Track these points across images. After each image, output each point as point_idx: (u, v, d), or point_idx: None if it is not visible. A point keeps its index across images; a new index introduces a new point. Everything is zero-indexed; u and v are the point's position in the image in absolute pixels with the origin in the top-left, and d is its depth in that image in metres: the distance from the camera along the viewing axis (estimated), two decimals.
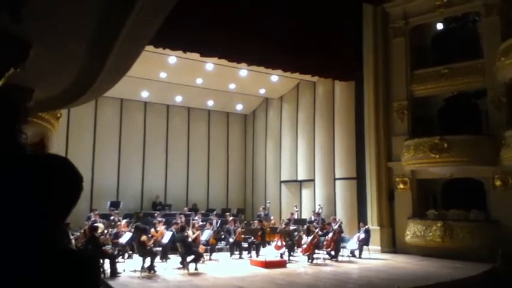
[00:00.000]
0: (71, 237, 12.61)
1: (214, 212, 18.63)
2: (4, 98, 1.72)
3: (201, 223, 15.85)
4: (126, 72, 6.78)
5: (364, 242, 15.48)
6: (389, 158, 17.33)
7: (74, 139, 19.50)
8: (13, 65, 4.89)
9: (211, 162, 23.78)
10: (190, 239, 12.95)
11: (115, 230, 14.16)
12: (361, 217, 17.51)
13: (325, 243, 14.91)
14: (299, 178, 21.59)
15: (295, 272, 12.83)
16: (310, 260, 14.33)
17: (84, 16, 4.63)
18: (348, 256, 15.28)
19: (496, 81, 15.14)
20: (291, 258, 14.66)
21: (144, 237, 12.15)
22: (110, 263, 11.35)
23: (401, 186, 16.90)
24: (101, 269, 10.95)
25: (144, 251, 11.96)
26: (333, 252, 14.91)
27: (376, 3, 17.94)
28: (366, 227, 15.91)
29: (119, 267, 11.81)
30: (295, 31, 16.15)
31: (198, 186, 23.12)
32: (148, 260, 11.86)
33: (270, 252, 14.44)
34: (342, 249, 15.37)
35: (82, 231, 13.32)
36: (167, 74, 19.53)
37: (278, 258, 13.88)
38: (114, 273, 11.27)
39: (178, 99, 22.27)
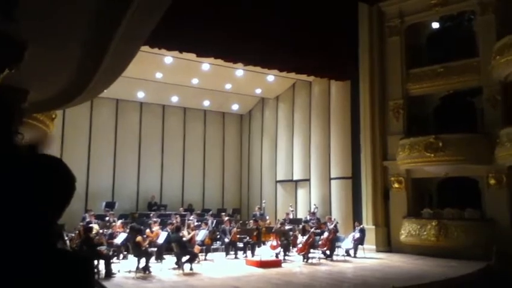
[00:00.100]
0: (66, 238, 12.58)
1: (210, 212, 18.62)
2: None
3: (196, 223, 15.84)
4: (121, 72, 6.78)
5: (359, 241, 15.50)
6: (385, 157, 17.36)
7: (69, 140, 19.43)
8: (7, 66, 4.87)
9: (207, 162, 23.77)
10: (185, 239, 12.94)
11: (110, 231, 14.13)
12: (356, 216, 17.53)
13: (320, 242, 14.94)
14: (295, 178, 21.61)
15: (290, 271, 12.84)
16: (305, 260, 14.35)
17: (78, 16, 4.62)
18: (343, 255, 15.29)
19: (491, 80, 15.19)
20: (286, 258, 14.67)
21: (139, 238, 12.13)
22: (105, 263, 11.31)
23: (396, 185, 16.94)
24: (96, 270, 10.93)
25: (139, 252, 11.94)
26: (328, 252, 14.94)
27: (371, 3, 17.97)
28: (361, 226, 15.93)
29: (114, 267, 11.78)
30: (290, 31, 16.14)
31: (194, 187, 23.09)
32: (143, 261, 11.84)
33: (266, 252, 14.46)
34: (337, 249, 15.39)
35: (77, 232, 13.31)
36: (163, 74, 19.49)
37: (273, 258, 13.89)
38: (109, 273, 11.24)
39: (174, 99, 22.23)
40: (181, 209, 19.37)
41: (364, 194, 17.48)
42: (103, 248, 12.27)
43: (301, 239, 14.78)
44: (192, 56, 16.32)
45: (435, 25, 17.80)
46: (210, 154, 23.92)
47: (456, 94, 16.90)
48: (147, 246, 12.48)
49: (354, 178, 18.42)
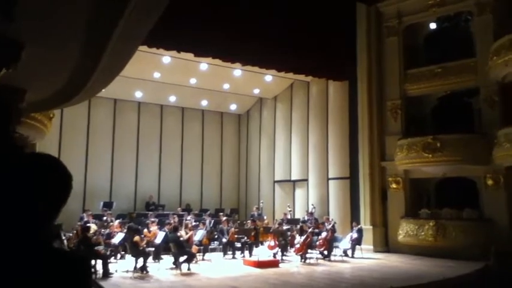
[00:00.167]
0: (64, 237, 12.55)
1: (208, 212, 18.60)
2: None
3: (194, 223, 15.83)
4: (119, 72, 6.77)
5: (357, 242, 15.50)
6: (383, 158, 17.38)
7: (67, 139, 19.43)
8: (5, 65, 4.87)
9: (205, 162, 23.76)
10: (183, 239, 12.93)
11: (108, 231, 14.11)
12: (354, 217, 17.54)
13: (318, 243, 14.95)
14: (293, 178, 21.62)
15: (288, 271, 12.83)
16: (303, 260, 14.35)
17: (76, 16, 4.61)
18: (341, 256, 15.29)
19: (488, 80, 15.21)
20: (284, 258, 14.66)
21: (136, 238, 12.12)
22: (103, 263, 11.30)
23: (394, 185, 16.95)
24: (93, 270, 10.91)
25: (137, 252, 11.93)
26: (325, 252, 14.94)
27: (369, 3, 17.98)
28: (359, 226, 15.94)
29: (112, 267, 11.76)
30: (288, 31, 16.14)
31: (192, 187, 23.08)
32: (141, 261, 11.83)
33: (263, 252, 14.47)
34: (334, 249, 15.40)
35: (74, 231, 13.28)
36: (161, 74, 19.49)
37: (271, 258, 13.89)
38: (107, 273, 11.22)
39: (172, 99, 22.23)
40: (179, 208, 19.35)
41: (362, 194, 17.50)
42: (101, 248, 12.24)
43: (299, 239, 14.78)
44: (190, 55, 16.31)
45: (433, 26, 17.84)
46: (208, 154, 23.92)
47: (454, 94, 16.94)
48: (145, 246, 12.48)
49: (352, 178, 18.43)
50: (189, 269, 12.19)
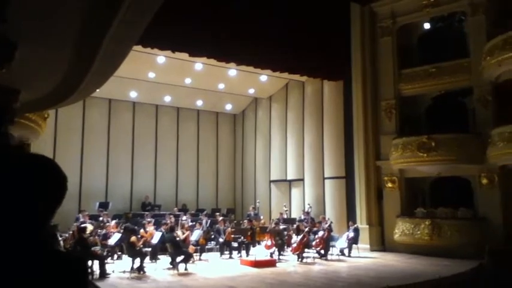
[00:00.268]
0: (60, 238, 12.52)
1: (204, 212, 18.57)
2: None
3: (190, 223, 15.81)
4: (113, 73, 6.77)
5: (353, 241, 15.55)
6: (378, 157, 17.43)
7: (62, 140, 19.36)
8: None
9: (200, 162, 23.74)
10: (179, 239, 12.92)
11: (104, 231, 14.07)
12: (350, 216, 17.59)
13: (315, 242, 14.97)
14: (288, 177, 21.64)
15: (285, 271, 12.85)
16: (299, 259, 14.36)
17: (70, 16, 4.61)
18: (337, 255, 15.33)
19: (482, 80, 15.29)
20: (281, 257, 14.69)
21: (133, 238, 12.11)
22: (99, 264, 11.28)
23: (389, 185, 17.01)
24: (90, 270, 10.89)
25: (134, 252, 11.92)
26: (322, 251, 14.97)
27: (363, 3, 18.03)
28: (355, 225, 15.98)
29: (108, 268, 11.75)
30: (283, 31, 16.15)
31: (188, 187, 23.06)
32: (137, 261, 11.82)
33: (260, 251, 14.47)
34: (331, 248, 15.43)
35: (71, 232, 13.25)
36: (156, 74, 19.45)
37: (268, 258, 13.90)
38: (103, 274, 11.21)
39: (167, 99, 22.19)
40: (175, 209, 19.33)
41: (358, 193, 17.54)
42: (97, 249, 12.23)
43: (295, 239, 14.80)
44: (184, 55, 16.29)
45: (426, 26, 17.91)
46: (203, 154, 23.89)
47: (448, 94, 17.01)
48: (142, 246, 12.46)
49: (348, 178, 18.48)
50: (186, 269, 12.19)
